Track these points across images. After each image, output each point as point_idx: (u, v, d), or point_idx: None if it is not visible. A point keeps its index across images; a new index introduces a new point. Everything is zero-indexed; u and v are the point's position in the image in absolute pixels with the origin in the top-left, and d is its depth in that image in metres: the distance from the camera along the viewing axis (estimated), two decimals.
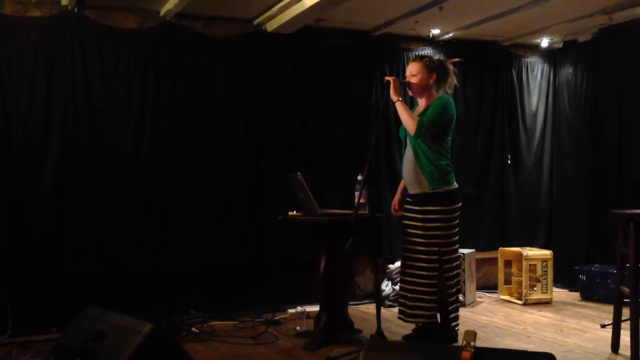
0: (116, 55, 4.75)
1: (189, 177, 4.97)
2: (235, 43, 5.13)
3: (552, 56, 6.38)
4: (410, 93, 3.95)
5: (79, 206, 4.60)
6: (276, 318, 4.75)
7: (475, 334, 2.15)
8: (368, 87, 5.62)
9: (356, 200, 3.97)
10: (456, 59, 4.01)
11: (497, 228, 6.14)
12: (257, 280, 5.09)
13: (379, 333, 3.59)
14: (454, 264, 3.85)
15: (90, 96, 4.66)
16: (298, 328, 4.54)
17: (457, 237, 3.85)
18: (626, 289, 3.76)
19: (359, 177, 4.11)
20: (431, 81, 3.83)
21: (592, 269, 5.47)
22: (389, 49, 5.73)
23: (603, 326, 4.33)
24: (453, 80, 3.90)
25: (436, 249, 3.73)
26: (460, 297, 4.64)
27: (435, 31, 5.71)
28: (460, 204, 3.86)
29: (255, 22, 5.18)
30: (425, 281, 3.74)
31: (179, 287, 4.82)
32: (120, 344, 2.69)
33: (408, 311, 3.80)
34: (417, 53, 4.06)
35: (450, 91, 3.92)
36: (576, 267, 5.62)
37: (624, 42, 5.56)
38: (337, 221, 4.03)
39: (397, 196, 4.17)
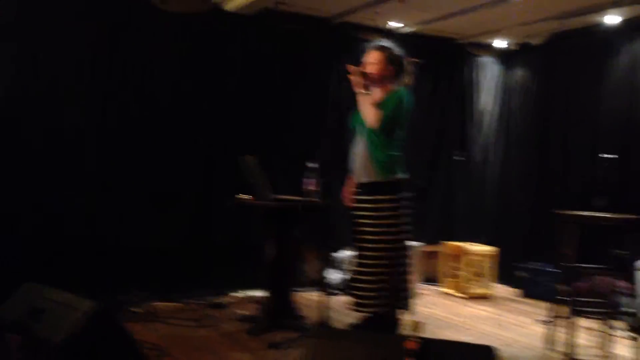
0: (65, 30, 4.56)
1: (140, 157, 4.86)
2: (192, 21, 5.03)
3: (505, 57, 6.52)
4: (363, 81, 3.89)
5: (28, 181, 4.44)
6: (221, 302, 4.71)
7: (420, 324, 2.18)
8: (326, 75, 5.61)
9: (306, 187, 3.96)
10: (416, 60, 4.01)
11: (443, 223, 6.25)
12: (205, 264, 5.02)
13: (324, 321, 3.59)
14: (404, 253, 3.85)
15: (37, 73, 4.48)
16: (242, 312, 4.51)
17: (408, 227, 3.84)
18: (564, 288, 3.89)
19: (310, 165, 4.09)
20: (389, 73, 3.82)
21: (533, 267, 5.64)
22: (348, 38, 5.72)
23: (540, 322, 4.48)
24: (407, 79, 3.90)
25: (385, 237, 3.71)
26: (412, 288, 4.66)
27: (395, 24, 5.74)
28: (410, 194, 3.87)
29: (214, 0, 5.08)
30: (375, 270, 3.71)
31: (125, 266, 4.71)
32: (59, 320, 2.61)
33: (359, 301, 3.78)
34: (378, 43, 4.06)
35: (401, 84, 3.92)
36: (517, 264, 5.78)
37: (574, 48, 5.74)
38: (287, 207, 4.01)
39: (348, 186, 4.16)
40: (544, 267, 5.53)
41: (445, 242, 5.89)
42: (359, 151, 3.80)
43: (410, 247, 3.97)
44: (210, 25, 5.09)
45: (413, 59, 3.97)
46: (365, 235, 3.75)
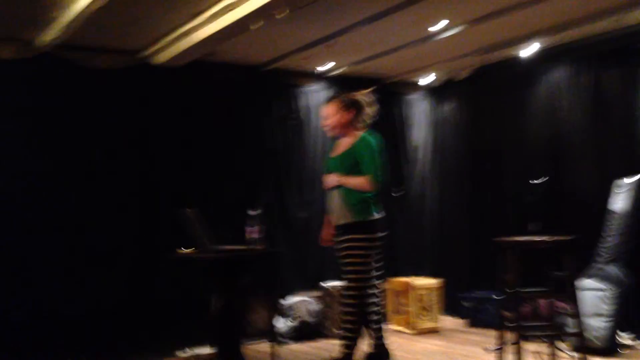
0: None
1: (71, 216, 4.68)
2: (121, 76, 4.96)
3: (433, 93, 6.74)
4: (330, 134, 4.07)
5: None
6: None
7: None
8: (260, 122, 5.62)
9: (249, 235, 3.94)
10: (365, 90, 4.12)
11: (387, 259, 6.27)
12: (147, 324, 4.83)
13: None
14: (375, 291, 3.99)
15: None
16: None
17: (380, 264, 3.97)
18: (508, 313, 3.95)
19: (251, 213, 4.06)
20: (350, 117, 3.95)
21: (476, 295, 5.72)
22: (280, 85, 5.79)
23: (487, 350, 4.51)
24: (370, 110, 4.03)
25: (358, 276, 3.83)
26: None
27: (324, 68, 5.85)
28: (383, 233, 3.98)
29: (143, 54, 5.04)
30: (351, 307, 3.86)
31: (59, 333, 4.47)
32: None
33: (343, 334, 3.93)
34: (329, 96, 4.25)
35: (370, 121, 4.04)
36: (462, 295, 5.85)
37: (496, 80, 6.00)
38: (230, 257, 3.94)
39: (326, 228, 4.22)
40: (488, 295, 5.61)
41: (391, 278, 5.90)
42: (334, 196, 3.96)
43: (380, 282, 4.12)
44: (139, 80, 5.03)
45: (366, 90, 4.08)
46: (343, 272, 3.91)
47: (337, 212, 3.97)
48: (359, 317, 3.92)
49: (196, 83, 5.29)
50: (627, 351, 4.64)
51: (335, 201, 3.97)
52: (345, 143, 4.02)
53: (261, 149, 5.59)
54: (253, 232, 4.08)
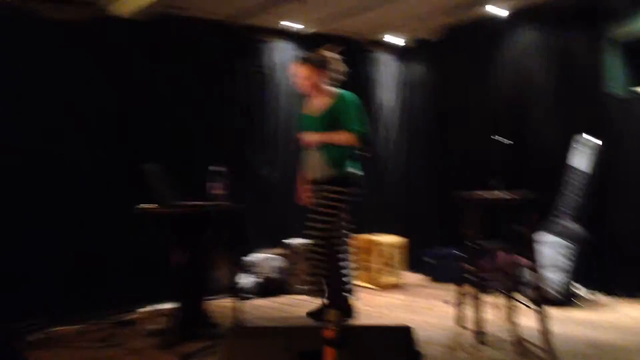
0: None
1: (30, 174, 4.54)
2: (82, 29, 4.77)
3: (402, 54, 6.70)
4: (303, 94, 4.03)
5: None
6: (129, 319, 4.48)
7: (337, 312, 2.16)
8: (225, 78, 5.52)
9: (212, 191, 3.90)
10: (333, 48, 4.06)
11: (354, 217, 6.30)
12: (109, 280, 4.77)
13: (239, 323, 3.54)
14: (344, 247, 4.03)
15: None
16: (152, 327, 4.31)
17: (350, 220, 3.98)
18: (468, 267, 4.02)
19: (214, 169, 4.00)
20: (322, 77, 3.93)
21: (438, 252, 5.81)
22: (246, 40, 5.69)
23: (446, 302, 4.60)
24: (338, 66, 3.98)
25: (328, 229, 3.84)
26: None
27: (295, 25, 5.75)
28: (360, 190, 3.99)
29: (105, 7, 4.85)
30: (319, 257, 3.84)
31: (19, 292, 4.37)
32: None
33: (310, 287, 4.03)
34: (298, 57, 4.17)
35: (341, 78, 4.00)
36: (425, 251, 5.94)
37: (466, 41, 6.00)
38: (191, 213, 3.89)
39: (301, 185, 4.19)
40: (450, 252, 5.70)
41: (356, 235, 5.92)
42: (313, 153, 3.94)
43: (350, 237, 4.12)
44: (100, 33, 4.86)
45: (333, 48, 4.03)
46: (313, 223, 3.90)
47: (316, 168, 3.97)
48: (327, 270, 3.94)
49: (161, 37, 5.15)
50: (582, 303, 4.79)
51: (314, 158, 3.96)
52: (322, 102, 3.99)
53: (225, 104, 5.49)
54: (216, 188, 4.03)
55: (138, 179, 3.93)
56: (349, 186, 3.98)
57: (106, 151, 4.90)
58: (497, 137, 4.52)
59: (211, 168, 4.04)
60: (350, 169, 3.99)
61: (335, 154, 3.92)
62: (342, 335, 2.04)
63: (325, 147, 3.93)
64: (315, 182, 4.06)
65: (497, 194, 4.03)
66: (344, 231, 4.09)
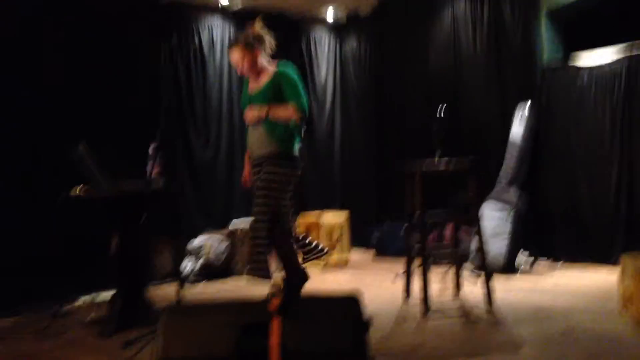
0: None
1: None
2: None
3: (337, 30, 6.64)
4: (246, 76, 3.91)
5: None
6: (66, 309, 4.28)
7: (281, 284, 2.09)
8: (156, 55, 5.33)
9: (149, 172, 3.75)
10: (256, 22, 3.95)
11: (296, 197, 6.23)
12: (44, 270, 4.53)
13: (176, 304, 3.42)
14: (289, 224, 3.90)
15: None
16: (92, 316, 4.13)
17: (289, 201, 3.89)
18: (413, 239, 4.03)
19: (151, 147, 3.86)
20: (257, 54, 3.82)
21: (383, 227, 5.82)
22: (177, 18, 5.50)
23: (395, 276, 4.61)
24: (269, 39, 3.89)
25: (271, 206, 3.74)
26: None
27: (225, 2, 5.60)
28: (300, 170, 3.90)
29: None
30: (263, 236, 3.72)
31: None
32: None
33: (251, 265, 3.76)
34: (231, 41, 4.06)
35: (272, 51, 3.90)
36: (370, 227, 5.93)
37: (400, 14, 5.99)
38: (127, 195, 3.72)
39: (247, 167, 4.05)
40: (395, 226, 5.72)
41: (301, 213, 5.87)
42: (256, 129, 3.80)
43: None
44: (28, 3, 4.58)
45: (256, 22, 3.92)
46: (259, 205, 3.74)
47: (259, 144, 3.83)
48: (271, 249, 3.83)
49: (92, 12, 4.92)
50: (524, 269, 4.89)
51: (257, 135, 3.83)
52: (262, 78, 3.89)
53: (158, 81, 5.30)
54: (153, 168, 3.87)
55: (71, 162, 3.73)
56: (292, 162, 3.89)
57: (36, 133, 4.65)
58: (438, 109, 4.52)
59: (149, 148, 3.88)
60: (292, 145, 3.90)
61: (277, 130, 3.82)
62: (288, 304, 1.97)
63: (267, 122, 3.82)
64: (257, 159, 3.96)
65: (438, 162, 4.04)
66: (289, 210, 3.99)
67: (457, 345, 3.31)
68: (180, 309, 2.46)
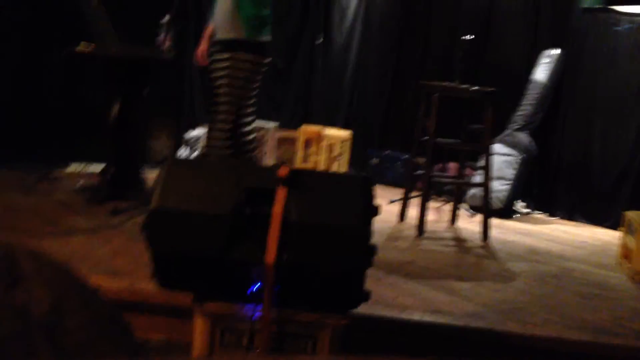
0: None
1: None
2: None
3: None
4: None
5: None
6: (55, 173, 4.14)
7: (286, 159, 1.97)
8: None
9: (159, 44, 3.54)
10: None
11: (300, 105, 6.06)
12: (34, 130, 4.34)
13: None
14: (253, 118, 3.66)
15: None
16: (81, 183, 4.00)
17: (256, 92, 3.62)
18: (421, 160, 3.92)
19: (162, 20, 3.62)
20: None
21: (384, 153, 5.67)
22: None
23: (394, 202, 4.52)
24: None
25: (232, 103, 3.48)
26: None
27: None
28: (270, 59, 3.65)
29: None
30: (223, 133, 3.49)
31: None
32: None
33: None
34: None
35: None
36: (371, 151, 5.78)
37: None
38: (135, 59, 3.53)
39: (204, 44, 3.74)
40: (394, 154, 5.57)
41: (303, 126, 5.70)
42: (225, 3, 3.43)
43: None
44: None
45: None
46: (219, 97, 3.46)
47: (224, 23, 3.46)
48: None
49: None
50: (522, 216, 4.81)
51: (225, 9, 3.44)
52: None
53: None
54: (163, 40, 3.66)
55: (81, 14, 3.49)
56: (260, 55, 3.51)
57: None
58: (463, 37, 4.32)
59: (161, 20, 3.65)
60: (265, 35, 3.56)
61: (252, 12, 3.43)
62: (297, 176, 1.85)
63: (241, 2, 3.43)
64: (220, 42, 3.52)
65: (460, 85, 3.89)
66: (252, 109, 3.65)
67: (449, 268, 3.26)
68: (184, 161, 2.34)
